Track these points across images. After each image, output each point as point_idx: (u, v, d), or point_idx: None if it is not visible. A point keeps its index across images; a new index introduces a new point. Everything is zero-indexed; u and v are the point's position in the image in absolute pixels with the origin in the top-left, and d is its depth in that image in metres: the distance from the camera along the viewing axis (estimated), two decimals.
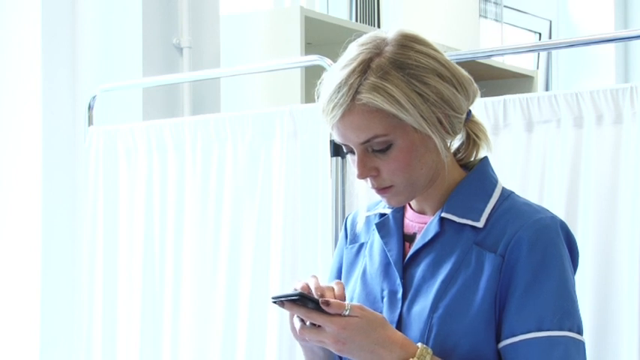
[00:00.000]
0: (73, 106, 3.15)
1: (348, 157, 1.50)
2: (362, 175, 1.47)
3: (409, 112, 1.42)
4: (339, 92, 1.43)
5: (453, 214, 1.49)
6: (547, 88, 6.12)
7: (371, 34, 1.50)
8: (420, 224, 1.54)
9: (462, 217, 1.49)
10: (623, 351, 2.05)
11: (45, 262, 3.06)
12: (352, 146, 1.47)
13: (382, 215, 1.59)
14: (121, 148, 2.84)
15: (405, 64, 1.44)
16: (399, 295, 1.50)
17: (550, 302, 1.42)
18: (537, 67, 6.10)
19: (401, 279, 1.51)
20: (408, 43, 1.46)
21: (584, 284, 2.09)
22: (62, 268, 3.08)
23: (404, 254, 1.53)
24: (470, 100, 1.51)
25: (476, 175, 1.53)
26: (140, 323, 2.76)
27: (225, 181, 2.63)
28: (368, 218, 1.62)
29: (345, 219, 1.70)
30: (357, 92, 1.42)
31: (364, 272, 1.58)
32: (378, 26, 4.32)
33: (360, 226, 1.64)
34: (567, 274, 1.45)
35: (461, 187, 1.51)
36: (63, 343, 3.07)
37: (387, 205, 1.57)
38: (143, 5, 3.13)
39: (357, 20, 4.31)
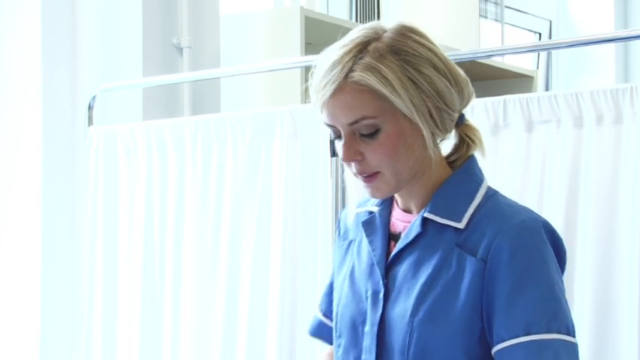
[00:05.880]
0: (73, 106, 3.15)
1: (336, 142, 1.49)
2: (346, 158, 1.46)
3: (400, 96, 1.43)
4: (332, 70, 1.44)
5: (436, 214, 1.48)
6: (547, 88, 6.11)
7: (372, 23, 1.51)
8: (406, 223, 1.53)
9: (444, 217, 1.48)
10: (623, 352, 2.05)
11: (45, 262, 3.06)
12: (340, 128, 1.46)
13: (370, 213, 1.58)
14: (121, 148, 2.84)
15: (402, 51, 1.45)
16: (381, 295, 1.50)
17: (537, 306, 1.41)
18: (537, 67, 6.10)
19: (383, 279, 1.50)
20: (406, 32, 1.48)
21: (584, 284, 2.09)
22: (62, 268, 3.08)
23: (388, 253, 1.53)
24: (464, 100, 1.51)
25: (461, 174, 1.52)
26: (140, 323, 2.76)
27: (225, 181, 2.63)
28: (357, 215, 1.62)
29: (342, 214, 1.70)
30: (350, 70, 1.43)
31: (352, 270, 1.58)
32: None
33: (350, 222, 1.64)
34: (552, 275, 1.43)
35: (445, 186, 1.51)
36: (63, 343, 3.07)
37: (370, 198, 1.57)
38: (143, 5, 3.13)
39: (357, 20, 4.31)
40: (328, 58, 1.46)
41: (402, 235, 1.52)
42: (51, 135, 3.10)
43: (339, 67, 1.43)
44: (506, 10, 5.67)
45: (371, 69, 1.42)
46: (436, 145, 1.50)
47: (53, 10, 3.13)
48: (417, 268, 1.48)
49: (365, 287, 1.53)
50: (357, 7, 4.37)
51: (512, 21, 5.96)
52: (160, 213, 2.75)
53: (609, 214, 2.08)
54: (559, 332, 1.41)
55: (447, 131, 1.50)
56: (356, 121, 1.44)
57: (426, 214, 1.48)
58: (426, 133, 1.46)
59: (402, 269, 1.49)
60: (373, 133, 1.45)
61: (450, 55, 2.66)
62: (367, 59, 1.43)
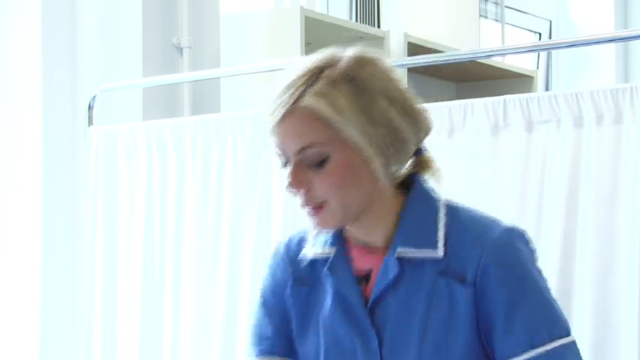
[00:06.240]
0: (73, 106, 3.15)
1: (283, 171, 1.44)
2: (293, 185, 1.42)
3: (350, 125, 1.38)
4: (284, 94, 1.41)
5: (409, 246, 1.44)
6: (547, 88, 6.11)
7: (331, 49, 1.46)
8: (372, 260, 1.48)
9: (419, 248, 1.43)
10: (623, 352, 2.05)
11: (45, 262, 3.06)
12: (289, 154, 1.42)
13: (326, 256, 1.51)
14: (121, 148, 2.84)
15: (356, 79, 1.40)
16: (375, 344, 1.45)
17: (535, 318, 1.41)
18: (537, 67, 6.09)
19: (372, 326, 1.45)
20: (363, 61, 1.43)
21: (584, 284, 2.09)
22: (62, 268, 3.08)
23: (365, 297, 1.47)
24: (421, 132, 1.46)
25: (415, 199, 1.47)
26: (140, 323, 2.76)
27: (225, 181, 2.63)
28: (307, 258, 1.54)
29: (277, 251, 1.60)
30: (301, 96, 1.39)
31: (326, 321, 1.50)
32: (378, 26, 4.32)
33: (302, 265, 1.54)
34: (539, 282, 1.44)
35: (405, 215, 1.46)
36: (63, 343, 3.07)
37: (316, 242, 1.51)
38: (143, 5, 3.12)
39: (357, 20, 4.30)
40: (282, 82, 1.42)
41: (377, 277, 1.46)
42: (51, 135, 3.10)
43: (291, 92, 1.40)
44: (506, 10, 5.66)
45: (322, 95, 1.39)
46: (388, 177, 1.44)
47: (53, 10, 3.12)
48: (405, 308, 1.44)
49: (349, 337, 1.47)
50: (357, 7, 4.36)
51: (512, 21, 5.95)
52: (160, 213, 2.75)
53: (609, 214, 2.08)
54: (560, 337, 1.42)
55: (400, 163, 1.45)
56: (304, 148, 1.40)
57: (400, 251, 1.44)
58: (376, 164, 1.41)
59: (390, 312, 1.45)
60: (321, 162, 1.40)
61: (449, 55, 2.66)
62: (319, 85, 1.39)
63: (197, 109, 3.23)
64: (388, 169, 1.44)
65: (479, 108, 2.25)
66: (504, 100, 2.23)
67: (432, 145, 2.29)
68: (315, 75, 1.41)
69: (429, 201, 1.48)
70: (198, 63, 3.25)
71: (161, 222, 2.74)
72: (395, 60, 3.75)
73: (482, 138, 2.24)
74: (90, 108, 2.92)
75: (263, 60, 3.40)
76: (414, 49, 3.95)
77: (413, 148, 1.46)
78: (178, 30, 3.23)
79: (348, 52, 1.44)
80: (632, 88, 2.08)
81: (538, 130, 2.19)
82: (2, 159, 3.15)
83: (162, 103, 3.17)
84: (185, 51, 3.22)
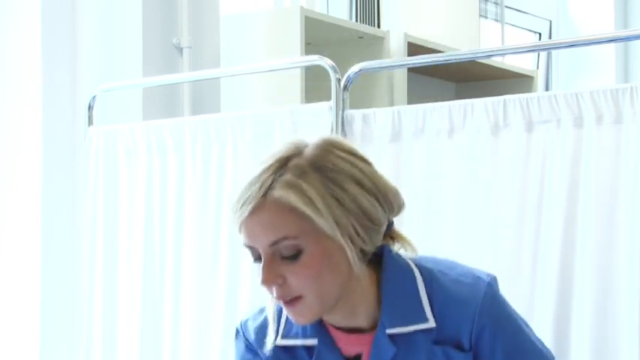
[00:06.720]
0: (73, 106, 3.15)
1: (255, 265, 1.40)
2: (266, 281, 1.36)
3: (323, 215, 1.34)
4: (250, 188, 1.37)
5: (398, 326, 1.41)
6: (547, 88, 6.11)
7: (295, 138, 1.43)
8: (358, 343, 1.45)
9: (409, 324, 1.41)
10: (623, 352, 2.05)
11: (45, 262, 3.06)
12: (260, 249, 1.38)
13: (308, 348, 1.46)
14: (121, 148, 2.84)
15: (324, 167, 1.36)
16: None
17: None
18: (537, 67, 6.09)
19: None
20: (329, 147, 1.39)
21: (584, 285, 2.09)
22: (62, 268, 3.08)
23: None
24: (394, 212, 1.43)
25: (390, 272, 1.43)
26: (140, 323, 2.76)
27: (225, 181, 2.63)
28: (285, 347, 1.48)
29: (243, 334, 1.55)
30: (270, 188, 1.36)
31: None
32: (378, 26, 4.32)
33: (279, 352, 1.48)
34: (523, 326, 1.46)
35: (386, 294, 1.42)
36: (63, 343, 3.07)
37: (291, 330, 1.46)
38: (143, 5, 3.12)
39: (357, 20, 4.30)
40: (248, 177, 1.39)
41: (367, 358, 1.43)
42: (51, 135, 3.10)
43: (258, 185, 1.37)
44: (506, 10, 5.66)
45: (292, 186, 1.34)
46: (362, 260, 1.40)
47: (53, 10, 3.12)
48: None
49: None
50: (357, 7, 4.36)
51: (512, 21, 5.95)
52: (160, 213, 2.75)
53: (609, 214, 2.08)
54: None
55: (374, 245, 1.41)
56: (276, 242, 1.36)
57: (391, 331, 1.41)
58: (349, 253, 1.36)
59: None
60: (295, 255, 1.35)
61: (449, 55, 2.66)
62: (288, 176, 1.36)
63: (197, 109, 3.23)
64: (362, 254, 1.40)
65: (479, 108, 2.25)
66: (504, 100, 2.23)
67: (432, 145, 2.30)
68: (281, 165, 1.37)
69: (404, 272, 1.44)
70: (198, 63, 3.25)
71: (161, 222, 2.74)
72: (395, 60, 3.78)
73: (482, 138, 2.24)
74: (90, 108, 2.93)
75: (263, 60, 3.40)
76: (414, 49, 3.95)
77: (384, 229, 1.42)
78: (178, 30, 3.23)
79: (313, 139, 1.41)
80: (632, 88, 2.08)
81: (538, 130, 2.18)
82: (2, 159, 3.15)
83: (162, 103, 3.17)
84: (185, 51, 3.22)
